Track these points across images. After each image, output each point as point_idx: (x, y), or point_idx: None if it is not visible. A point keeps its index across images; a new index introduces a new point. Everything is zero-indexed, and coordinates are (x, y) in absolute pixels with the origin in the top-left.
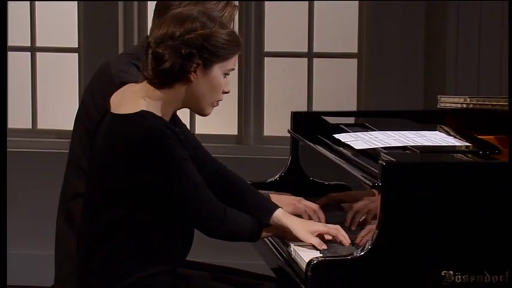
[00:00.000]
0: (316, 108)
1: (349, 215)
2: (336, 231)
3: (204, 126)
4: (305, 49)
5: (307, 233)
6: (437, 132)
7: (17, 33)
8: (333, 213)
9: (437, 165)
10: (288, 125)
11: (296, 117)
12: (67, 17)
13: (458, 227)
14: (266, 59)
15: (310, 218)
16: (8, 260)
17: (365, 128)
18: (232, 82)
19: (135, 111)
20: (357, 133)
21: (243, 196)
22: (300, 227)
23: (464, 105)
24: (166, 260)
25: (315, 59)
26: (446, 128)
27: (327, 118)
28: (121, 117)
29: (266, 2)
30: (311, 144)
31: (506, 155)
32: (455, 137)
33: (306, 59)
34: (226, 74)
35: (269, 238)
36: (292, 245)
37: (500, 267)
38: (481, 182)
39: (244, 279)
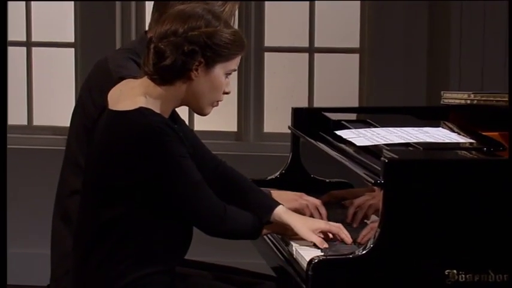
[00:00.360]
0: (317, 104)
1: (351, 211)
2: (338, 229)
3: (203, 122)
4: (306, 44)
5: (308, 230)
6: (440, 128)
7: (13, 28)
8: (334, 211)
9: (440, 163)
10: (288, 121)
11: (297, 113)
12: (63, 11)
13: (461, 225)
14: (266, 54)
15: (311, 215)
16: None
17: (367, 125)
18: (231, 78)
19: (133, 107)
20: (359, 129)
21: (243, 193)
22: (301, 225)
23: (468, 101)
24: (164, 260)
25: (316, 54)
26: (449, 125)
27: (328, 114)
28: (119, 114)
29: (266, 2)
30: (312, 140)
31: None
32: (459, 134)
33: (307, 54)
34: (227, 74)
35: (269, 237)
36: (293, 243)
37: (505, 267)
38: (485, 180)
39: (245, 278)
